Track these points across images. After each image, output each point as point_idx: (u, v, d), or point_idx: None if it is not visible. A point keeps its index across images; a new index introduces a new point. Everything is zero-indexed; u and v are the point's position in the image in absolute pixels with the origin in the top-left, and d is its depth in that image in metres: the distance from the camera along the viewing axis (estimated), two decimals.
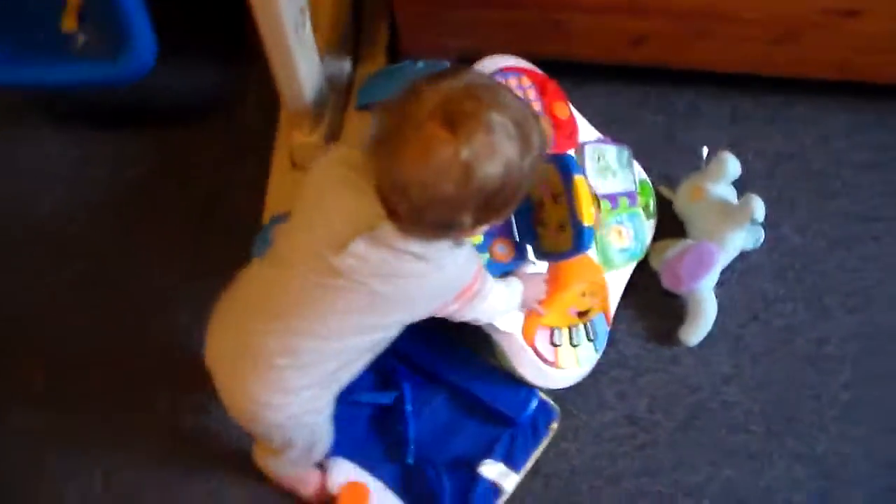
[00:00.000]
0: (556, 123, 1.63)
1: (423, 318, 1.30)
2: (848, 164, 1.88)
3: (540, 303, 1.55)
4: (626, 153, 1.73)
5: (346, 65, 1.95)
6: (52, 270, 1.83)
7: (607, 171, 1.68)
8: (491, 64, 1.64)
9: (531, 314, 1.55)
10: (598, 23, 1.78)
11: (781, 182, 1.86)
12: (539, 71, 1.67)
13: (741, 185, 1.79)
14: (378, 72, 1.87)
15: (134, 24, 1.60)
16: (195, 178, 1.89)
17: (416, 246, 1.17)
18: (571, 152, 1.65)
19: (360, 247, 1.16)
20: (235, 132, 1.95)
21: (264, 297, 1.26)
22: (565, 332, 1.59)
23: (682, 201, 1.76)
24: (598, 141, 1.71)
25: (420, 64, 1.82)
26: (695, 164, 1.80)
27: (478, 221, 1.16)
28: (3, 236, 1.87)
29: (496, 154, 1.09)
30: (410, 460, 1.61)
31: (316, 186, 1.25)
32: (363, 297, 1.20)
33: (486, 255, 1.51)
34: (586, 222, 1.45)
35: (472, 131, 1.07)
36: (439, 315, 1.33)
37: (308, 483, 1.56)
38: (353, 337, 1.27)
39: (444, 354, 1.67)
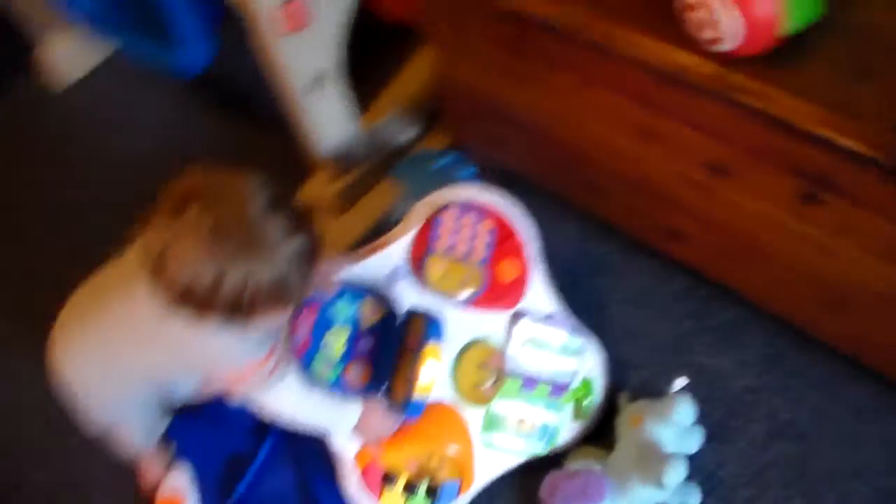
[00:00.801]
0: (492, 282, 1.47)
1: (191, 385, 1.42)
2: (873, 472, 1.49)
3: (382, 442, 1.46)
4: (579, 343, 1.53)
5: (408, 133, 1.92)
6: None
7: (541, 349, 1.51)
8: (468, 194, 1.52)
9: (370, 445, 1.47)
10: (632, 198, 1.57)
11: (768, 459, 1.52)
12: (514, 224, 1.51)
13: (717, 439, 1.52)
14: (416, 153, 1.82)
15: (185, 32, 1.72)
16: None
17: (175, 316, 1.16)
18: (505, 316, 1.50)
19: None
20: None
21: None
22: (404, 478, 1.47)
23: (622, 421, 1.52)
24: (550, 318, 1.52)
25: (448, 159, 1.75)
26: (689, 388, 1.54)
27: (198, 313, 1.13)
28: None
29: (186, 253, 1.08)
30: None
31: None
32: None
33: (339, 370, 1.44)
34: (417, 393, 1.34)
35: (175, 222, 1.08)
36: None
37: (146, 470, 1.62)
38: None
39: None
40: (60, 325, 1.34)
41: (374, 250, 1.50)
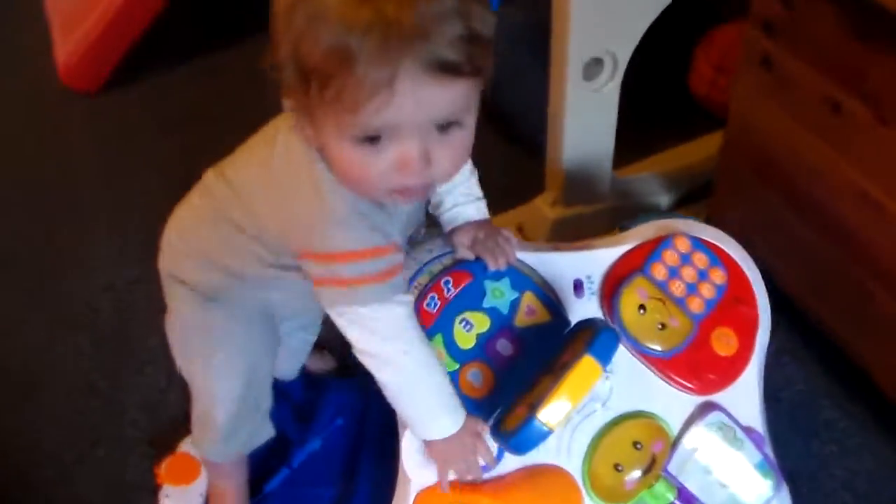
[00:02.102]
0: (699, 346, 1.09)
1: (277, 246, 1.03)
2: None
3: (461, 483, 1.06)
4: (770, 483, 1.10)
5: (659, 198, 1.60)
6: None
7: (721, 464, 1.09)
8: (713, 234, 1.16)
9: (437, 489, 1.06)
10: None
11: None
12: (754, 292, 1.13)
13: None
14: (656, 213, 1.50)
15: None
16: None
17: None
18: (692, 400, 1.10)
19: None
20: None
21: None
22: None
23: None
24: (749, 432, 1.10)
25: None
26: None
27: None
28: None
29: None
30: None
31: None
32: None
33: (455, 367, 1.08)
34: (540, 416, 0.95)
35: None
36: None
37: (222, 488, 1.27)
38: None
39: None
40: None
41: (569, 248, 1.16)
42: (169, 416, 1.40)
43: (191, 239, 1.10)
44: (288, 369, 1.32)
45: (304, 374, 1.36)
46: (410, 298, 0.99)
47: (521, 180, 1.61)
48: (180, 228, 1.11)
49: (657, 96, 1.85)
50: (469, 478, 1.05)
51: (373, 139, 0.84)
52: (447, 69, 0.80)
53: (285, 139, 0.95)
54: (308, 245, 0.95)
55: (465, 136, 0.88)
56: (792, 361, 1.40)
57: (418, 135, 0.84)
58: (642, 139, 1.69)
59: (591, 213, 1.53)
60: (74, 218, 1.84)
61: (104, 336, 1.57)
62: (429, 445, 1.04)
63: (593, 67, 1.37)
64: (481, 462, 1.04)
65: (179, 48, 2.21)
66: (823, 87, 1.17)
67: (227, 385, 1.13)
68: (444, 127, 0.85)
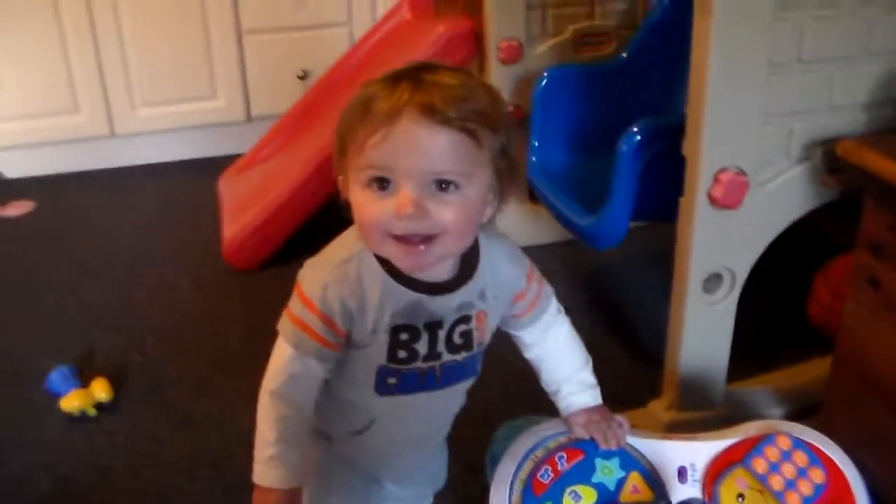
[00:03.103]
0: None
1: None
2: None
3: None
4: None
5: (774, 412, 1.67)
6: None
7: None
8: (814, 437, 1.23)
9: None
10: None
11: None
12: (854, 496, 1.19)
13: None
14: None
15: (615, 198, 1.68)
16: None
17: None
18: None
19: None
20: None
21: None
22: None
23: None
24: None
25: None
26: None
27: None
28: None
29: None
30: None
31: None
32: None
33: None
34: None
35: None
36: None
37: None
38: None
39: None
40: None
41: (676, 438, 1.25)
42: None
43: None
44: None
45: None
46: (303, 366, 1.08)
47: (637, 389, 1.73)
48: None
49: (776, 319, 1.96)
50: None
51: (381, 183, 0.97)
52: (436, 114, 0.94)
53: None
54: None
55: (463, 202, 0.98)
56: None
57: (415, 183, 0.96)
58: (758, 357, 1.80)
59: (703, 419, 1.60)
60: (218, 374, 2.03)
61: (233, 481, 1.68)
62: None
63: (713, 282, 1.50)
64: None
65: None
66: None
67: None
68: (443, 185, 0.97)
